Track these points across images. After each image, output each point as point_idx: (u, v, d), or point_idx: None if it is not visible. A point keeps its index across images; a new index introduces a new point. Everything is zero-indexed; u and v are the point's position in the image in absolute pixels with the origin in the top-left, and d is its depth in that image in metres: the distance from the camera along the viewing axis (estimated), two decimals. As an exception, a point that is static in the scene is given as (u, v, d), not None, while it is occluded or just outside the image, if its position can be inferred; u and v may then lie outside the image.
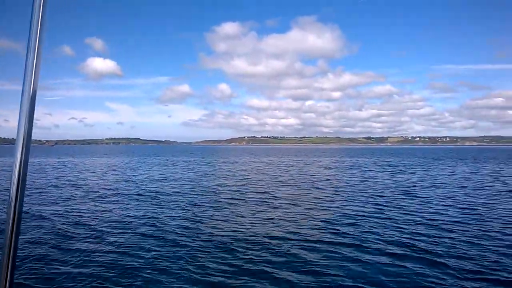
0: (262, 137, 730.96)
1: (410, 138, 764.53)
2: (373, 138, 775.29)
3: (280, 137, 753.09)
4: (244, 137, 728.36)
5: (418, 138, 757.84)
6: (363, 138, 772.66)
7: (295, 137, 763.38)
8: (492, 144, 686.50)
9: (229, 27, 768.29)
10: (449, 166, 52.17)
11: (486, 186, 27.72)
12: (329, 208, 18.14)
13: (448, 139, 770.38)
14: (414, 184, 28.72)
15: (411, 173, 40.61)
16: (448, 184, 29.14)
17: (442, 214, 16.30)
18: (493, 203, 19.16)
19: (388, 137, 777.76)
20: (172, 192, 23.82)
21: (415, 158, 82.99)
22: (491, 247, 10.78)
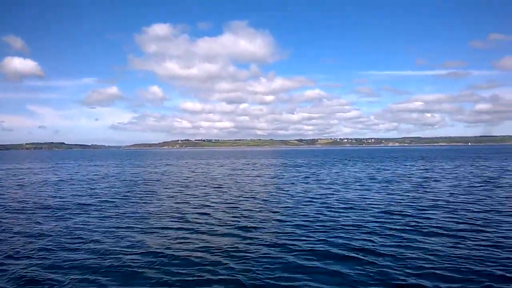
0: (196, 140, 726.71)
1: (338, 139, 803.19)
2: (304, 140, 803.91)
3: (215, 140, 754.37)
4: (178, 140, 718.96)
5: (345, 140, 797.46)
6: (295, 140, 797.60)
7: (230, 140, 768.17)
8: (412, 144, 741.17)
9: (160, 29, 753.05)
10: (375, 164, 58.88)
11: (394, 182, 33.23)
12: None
13: (373, 140, 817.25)
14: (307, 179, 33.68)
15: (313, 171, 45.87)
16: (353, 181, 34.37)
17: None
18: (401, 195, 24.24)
19: (319, 139, 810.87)
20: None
21: (325, 157, 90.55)
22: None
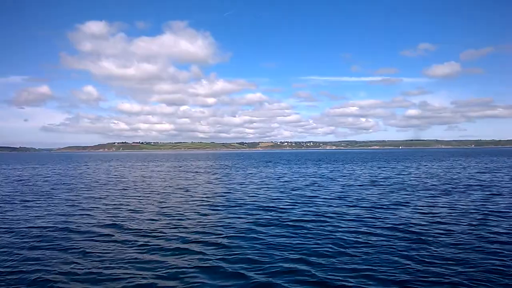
0: (134, 143, 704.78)
1: (279, 143, 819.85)
2: (246, 143, 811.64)
3: (154, 142, 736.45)
4: (114, 143, 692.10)
5: (286, 143, 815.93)
6: (236, 143, 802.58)
7: (170, 143, 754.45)
8: (348, 148, 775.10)
9: (95, 26, 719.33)
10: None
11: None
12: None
13: (312, 143, 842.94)
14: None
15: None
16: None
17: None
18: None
19: (260, 142, 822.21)
20: None
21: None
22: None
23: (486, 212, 18.08)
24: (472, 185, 30.40)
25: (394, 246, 12.26)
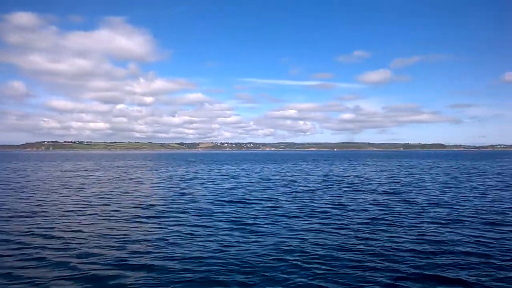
0: (65, 142, 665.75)
1: (219, 144, 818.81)
2: (185, 143, 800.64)
3: (87, 142, 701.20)
4: (44, 141, 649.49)
5: (226, 144, 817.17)
6: (175, 143, 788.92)
7: (105, 142, 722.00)
8: (286, 149, 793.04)
9: (24, 17, 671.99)
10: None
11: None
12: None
13: (252, 145, 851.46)
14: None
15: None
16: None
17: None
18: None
19: (200, 143, 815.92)
20: None
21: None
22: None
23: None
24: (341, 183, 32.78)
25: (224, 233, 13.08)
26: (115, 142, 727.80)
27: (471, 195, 25.26)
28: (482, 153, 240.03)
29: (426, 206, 20.70)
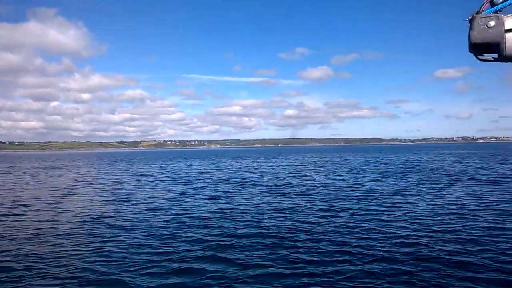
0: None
1: (162, 142, 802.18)
2: (126, 142, 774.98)
3: (19, 142, 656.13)
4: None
5: (170, 142, 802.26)
6: (116, 142, 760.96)
7: (38, 142, 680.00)
8: (232, 146, 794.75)
9: None
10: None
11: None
12: None
13: (196, 142, 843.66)
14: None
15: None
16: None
17: None
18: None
19: (142, 141, 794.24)
20: None
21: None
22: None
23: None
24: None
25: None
26: (50, 142, 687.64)
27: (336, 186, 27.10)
28: (407, 147, 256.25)
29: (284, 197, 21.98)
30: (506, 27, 1.31)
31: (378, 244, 11.34)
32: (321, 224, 14.50)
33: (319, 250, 10.95)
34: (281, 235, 12.73)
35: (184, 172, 46.23)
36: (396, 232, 12.87)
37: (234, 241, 12.15)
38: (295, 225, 14.33)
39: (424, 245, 11.16)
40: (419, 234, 12.49)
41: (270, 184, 29.14)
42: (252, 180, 32.76)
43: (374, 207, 17.84)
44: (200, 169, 50.82)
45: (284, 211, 17.32)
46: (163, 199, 22.35)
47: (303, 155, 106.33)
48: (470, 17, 1.37)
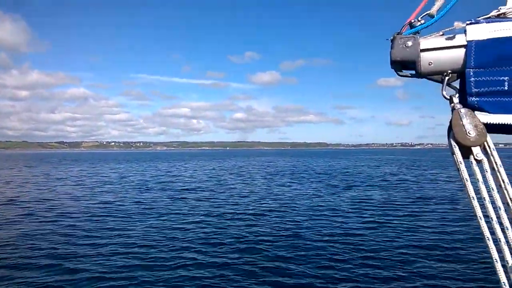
0: None
1: (105, 143, 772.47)
2: (66, 142, 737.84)
3: None
4: None
5: (113, 143, 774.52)
6: (55, 142, 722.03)
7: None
8: (179, 148, 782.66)
9: None
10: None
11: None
12: None
13: (142, 144, 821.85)
14: None
15: None
16: None
17: None
18: None
19: (83, 141, 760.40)
20: None
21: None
22: None
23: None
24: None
25: None
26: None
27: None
28: (348, 152, 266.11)
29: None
30: (421, 47, 1.41)
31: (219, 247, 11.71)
32: (187, 227, 14.70)
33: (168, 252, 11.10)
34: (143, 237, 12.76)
35: (104, 176, 44.78)
36: (244, 234, 13.36)
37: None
38: (164, 227, 14.49)
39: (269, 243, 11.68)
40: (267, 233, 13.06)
41: (179, 189, 29.05)
42: (163, 184, 32.52)
43: (252, 211, 18.39)
44: (121, 173, 49.54)
45: (160, 215, 17.41)
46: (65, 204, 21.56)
47: (244, 159, 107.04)
48: (392, 37, 1.47)
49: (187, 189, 28.35)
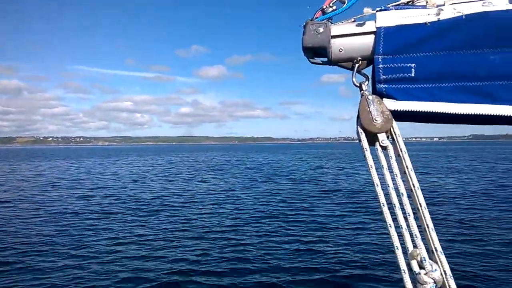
0: None
1: (42, 138, 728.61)
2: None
3: None
4: None
5: (50, 138, 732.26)
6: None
7: None
8: (121, 143, 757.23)
9: None
10: None
11: None
12: None
13: (82, 139, 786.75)
14: None
15: None
16: None
17: None
18: None
19: (17, 137, 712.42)
20: None
21: None
22: None
23: None
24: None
25: None
26: None
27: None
28: (292, 146, 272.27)
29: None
30: (332, 34, 1.34)
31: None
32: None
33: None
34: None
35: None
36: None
37: None
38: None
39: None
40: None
41: (90, 187, 27.66)
42: (73, 182, 30.93)
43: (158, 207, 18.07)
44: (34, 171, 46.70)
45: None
46: None
47: (188, 154, 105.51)
48: (304, 23, 1.38)
49: (97, 188, 27.10)
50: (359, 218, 14.87)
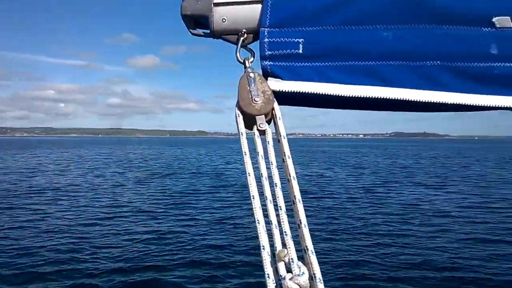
0: None
1: None
2: None
3: None
4: None
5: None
6: None
7: None
8: (42, 135, 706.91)
9: None
10: None
11: None
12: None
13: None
14: None
15: None
16: None
17: None
18: None
19: None
20: None
21: None
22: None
23: None
24: None
25: None
26: None
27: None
28: (222, 141, 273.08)
29: None
30: (215, 1, 1.16)
31: None
32: None
33: None
34: None
35: None
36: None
37: None
38: None
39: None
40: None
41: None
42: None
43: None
44: None
45: None
46: None
47: (109, 147, 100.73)
48: None
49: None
50: (229, 213, 14.99)
